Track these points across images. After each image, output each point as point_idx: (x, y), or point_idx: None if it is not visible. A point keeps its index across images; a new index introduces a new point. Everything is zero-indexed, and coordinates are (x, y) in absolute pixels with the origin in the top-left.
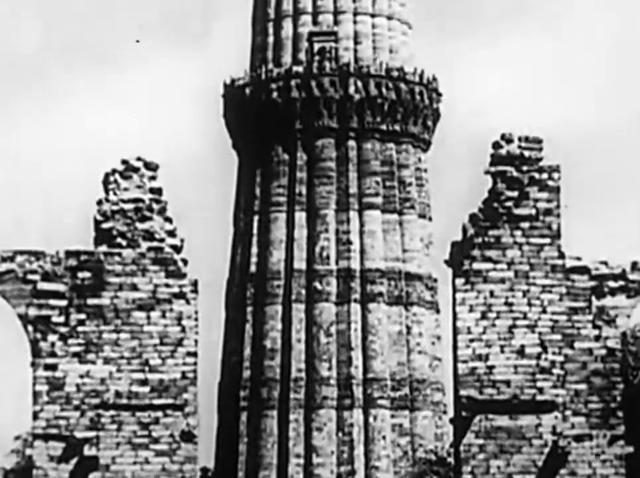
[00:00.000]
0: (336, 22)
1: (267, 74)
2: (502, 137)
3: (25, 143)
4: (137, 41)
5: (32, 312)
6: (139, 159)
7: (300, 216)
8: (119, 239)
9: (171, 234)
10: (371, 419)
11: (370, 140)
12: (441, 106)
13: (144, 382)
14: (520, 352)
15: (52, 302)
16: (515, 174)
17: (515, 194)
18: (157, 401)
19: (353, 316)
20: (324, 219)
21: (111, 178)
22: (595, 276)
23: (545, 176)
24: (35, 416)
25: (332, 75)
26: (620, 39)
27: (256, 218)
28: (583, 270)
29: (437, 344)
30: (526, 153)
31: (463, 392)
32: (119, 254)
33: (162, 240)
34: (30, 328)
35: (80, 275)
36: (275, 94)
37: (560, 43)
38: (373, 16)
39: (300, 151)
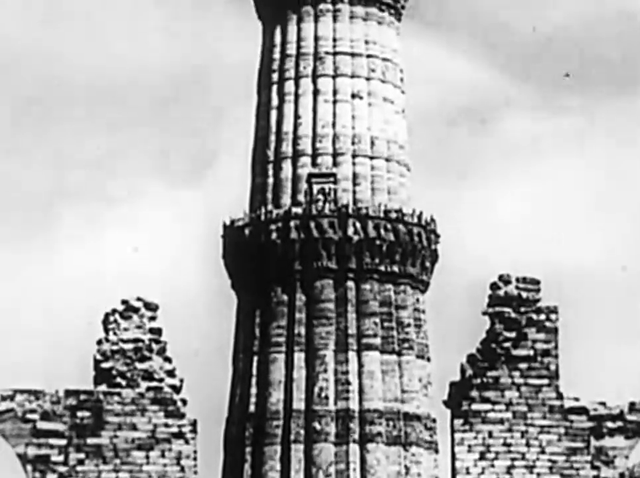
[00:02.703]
0: (335, 164)
1: (266, 215)
2: (500, 278)
3: (23, 282)
4: None
5: (32, 451)
6: (138, 299)
7: (299, 357)
8: (118, 379)
9: (170, 373)
10: None
11: (368, 281)
12: (439, 247)
13: None
14: None
15: (52, 441)
16: (513, 315)
17: (513, 335)
18: None
19: (352, 456)
20: (323, 359)
21: (111, 318)
22: (594, 417)
23: (543, 317)
24: None
25: (331, 216)
26: (617, 177)
27: (255, 358)
28: (582, 411)
29: None
30: (524, 294)
31: None
32: (119, 394)
33: (161, 380)
34: (29, 467)
35: (80, 414)
36: (274, 235)
37: (558, 184)
38: (372, 158)
39: (299, 292)
